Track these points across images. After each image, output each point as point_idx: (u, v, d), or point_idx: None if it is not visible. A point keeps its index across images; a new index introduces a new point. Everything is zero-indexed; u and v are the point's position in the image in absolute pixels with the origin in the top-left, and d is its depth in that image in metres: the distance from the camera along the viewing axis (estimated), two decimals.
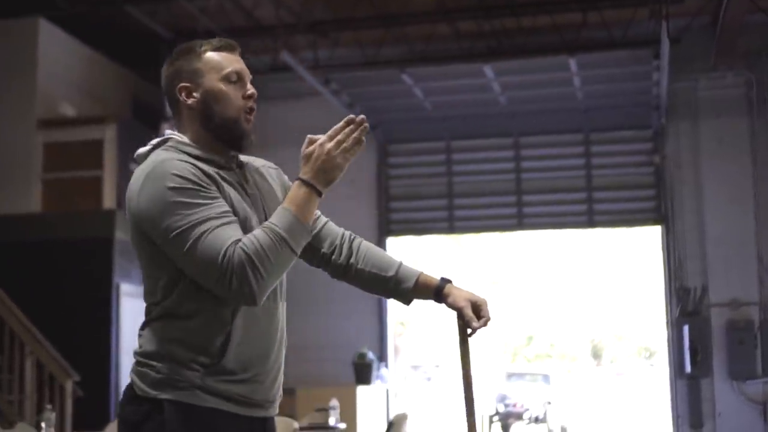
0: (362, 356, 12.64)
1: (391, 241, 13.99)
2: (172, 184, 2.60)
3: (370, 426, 12.27)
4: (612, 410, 28.73)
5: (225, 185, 2.71)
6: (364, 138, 2.65)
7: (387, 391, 13.55)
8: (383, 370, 13.26)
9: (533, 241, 27.35)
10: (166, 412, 2.64)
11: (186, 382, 2.65)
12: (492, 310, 2.89)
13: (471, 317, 2.84)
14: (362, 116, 2.67)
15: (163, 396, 2.65)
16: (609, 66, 11.35)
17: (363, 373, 12.62)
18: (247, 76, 2.84)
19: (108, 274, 10.53)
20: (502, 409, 26.17)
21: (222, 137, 2.78)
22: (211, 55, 2.81)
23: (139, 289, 2.98)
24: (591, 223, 13.60)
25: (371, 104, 12.61)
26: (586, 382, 35.09)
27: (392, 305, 14.10)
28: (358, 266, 2.98)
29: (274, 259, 2.56)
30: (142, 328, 2.75)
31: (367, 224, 13.62)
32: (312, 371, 12.90)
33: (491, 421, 26.26)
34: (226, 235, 2.56)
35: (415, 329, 27.27)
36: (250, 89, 2.82)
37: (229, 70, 2.79)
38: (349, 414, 12.17)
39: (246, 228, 2.66)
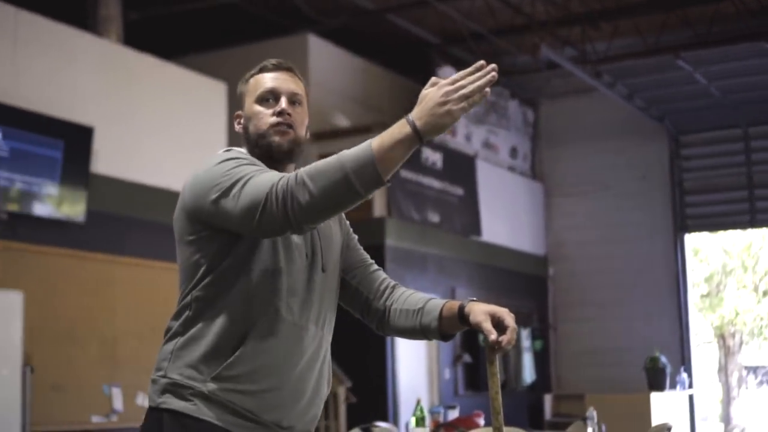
0: (654, 360, 11.87)
1: (688, 238, 13.13)
2: (224, 157, 2.54)
3: None
4: None
5: None
6: (488, 89, 2.30)
7: (690, 397, 12.74)
8: (684, 375, 12.46)
9: None
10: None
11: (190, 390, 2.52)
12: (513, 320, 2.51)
13: (489, 330, 2.50)
14: (493, 65, 2.32)
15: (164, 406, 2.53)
16: None
17: (656, 379, 11.87)
18: (285, 92, 2.70)
19: None
20: None
21: (261, 156, 2.66)
22: (255, 78, 2.75)
23: None
24: None
25: (653, 94, 11.91)
26: None
27: (694, 304, 13.28)
28: (393, 306, 2.79)
29: (326, 184, 2.28)
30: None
31: (661, 221, 12.89)
32: (605, 376, 12.34)
33: None
34: (276, 175, 2.41)
35: (751, 327, 25.46)
36: (281, 105, 2.68)
37: (262, 90, 2.71)
38: (642, 423, 11.50)
39: (291, 254, 2.56)
